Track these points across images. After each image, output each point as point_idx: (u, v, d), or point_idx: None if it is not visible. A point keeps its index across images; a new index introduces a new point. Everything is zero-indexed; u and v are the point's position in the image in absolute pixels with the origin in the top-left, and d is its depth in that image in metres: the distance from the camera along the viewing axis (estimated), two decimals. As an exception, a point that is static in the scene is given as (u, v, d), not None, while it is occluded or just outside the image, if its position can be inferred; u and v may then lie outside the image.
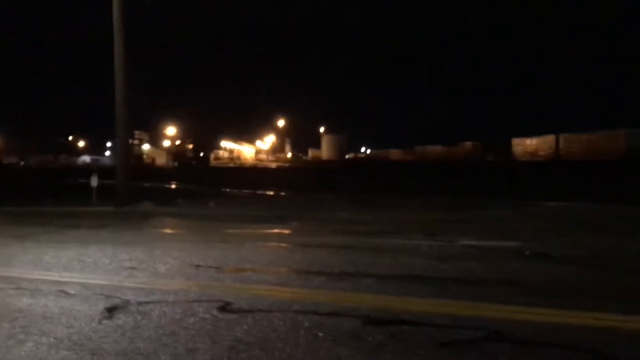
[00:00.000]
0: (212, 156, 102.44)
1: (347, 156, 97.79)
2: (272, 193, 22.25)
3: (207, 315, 4.63)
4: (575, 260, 6.89)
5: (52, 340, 4.07)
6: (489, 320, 4.32)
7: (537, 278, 5.89)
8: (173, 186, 28.75)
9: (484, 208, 14.18)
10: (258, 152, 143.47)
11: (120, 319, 4.59)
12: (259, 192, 22.58)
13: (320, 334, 4.08)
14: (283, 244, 8.71)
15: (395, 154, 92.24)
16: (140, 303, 5.07)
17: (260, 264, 6.91)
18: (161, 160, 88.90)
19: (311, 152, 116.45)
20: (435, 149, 76.34)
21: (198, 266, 6.81)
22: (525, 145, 57.07)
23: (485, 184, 25.48)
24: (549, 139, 53.32)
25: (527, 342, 3.85)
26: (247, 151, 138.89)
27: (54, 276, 6.31)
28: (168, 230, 11.67)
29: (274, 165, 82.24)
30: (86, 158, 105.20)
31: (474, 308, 4.68)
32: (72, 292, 5.54)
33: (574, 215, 12.61)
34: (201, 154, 79.78)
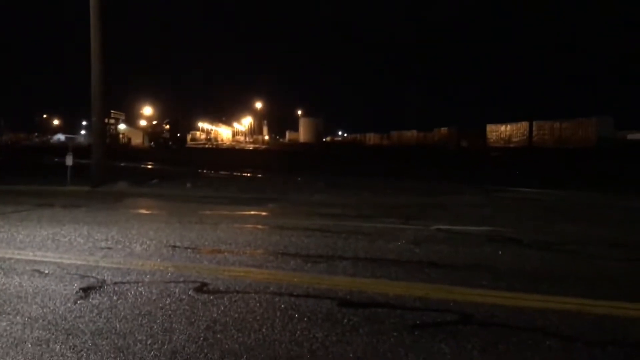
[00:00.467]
0: (188, 137, 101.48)
1: (324, 139, 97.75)
2: (249, 175, 22.20)
3: (184, 296, 4.67)
4: (544, 246, 7.07)
5: (26, 319, 4.08)
6: (459, 303, 4.44)
7: (507, 263, 6.03)
8: (149, 166, 28.47)
9: (458, 193, 14.36)
10: (235, 133, 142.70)
11: (96, 298, 4.60)
12: (235, 173, 22.50)
13: (296, 316, 4.15)
14: (260, 226, 8.75)
15: (371, 138, 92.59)
16: (116, 283, 5.09)
17: (237, 245, 6.94)
18: (137, 140, 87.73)
19: (289, 135, 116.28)
20: (411, 134, 76.82)
21: (174, 247, 6.82)
22: (500, 131, 57.73)
23: (459, 169, 25.77)
24: (523, 125, 53.99)
25: (496, 324, 3.98)
26: (224, 133, 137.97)
27: (28, 255, 6.28)
28: (144, 211, 11.60)
29: (251, 147, 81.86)
30: (61, 137, 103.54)
31: (446, 291, 4.80)
32: (46, 271, 5.53)
33: (545, 201, 12.85)
34: (178, 135, 78.90)
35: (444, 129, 68.43)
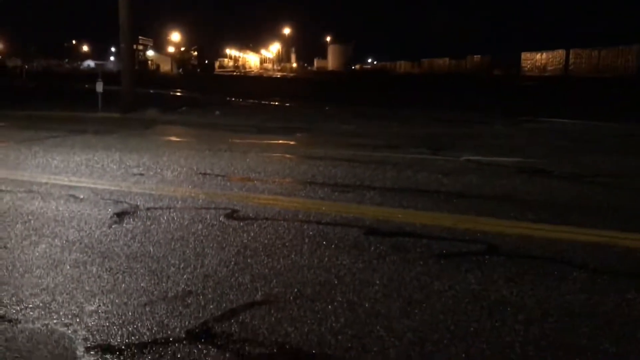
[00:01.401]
0: (216, 64, 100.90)
1: (353, 67, 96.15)
2: (276, 103, 22.11)
3: (215, 222, 4.77)
4: (576, 178, 6.98)
5: (64, 242, 4.23)
6: (486, 234, 4.46)
7: (537, 194, 5.99)
8: (178, 94, 28.53)
9: (489, 124, 14.14)
10: (263, 61, 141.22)
11: (130, 223, 4.74)
12: (263, 102, 22.43)
13: (324, 243, 4.23)
14: (288, 155, 8.79)
15: (402, 66, 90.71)
16: (148, 209, 5.22)
17: (266, 174, 7.02)
18: (166, 66, 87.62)
19: (317, 63, 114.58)
20: (443, 62, 74.99)
21: (205, 174, 6.92)
22: (534, 60, 55.94)
23: (491, 98, 25.24)
24: (559, 54, 52.16)
25: (522, 255, 4.00)
26: (252, 60, 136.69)
27: (64, 180, 6.45)
28: (174, 138, 11.73)
29: (278, 75, 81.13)
30: (90, 63, 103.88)
31: (473, 222, 4.81)
32: (81, 196, 5.68)
33: (578, 132, 12.59)
34: (206, 62, 78.42)
35: (476, 57, 66.62)
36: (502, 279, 3.54)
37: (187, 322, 2.90)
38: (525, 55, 57.80)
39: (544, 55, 54.52)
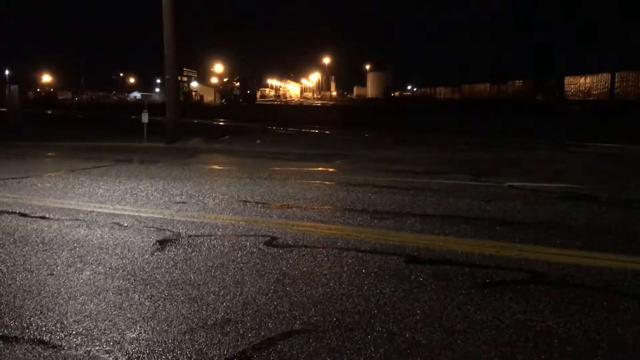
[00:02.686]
0: (258, 94, 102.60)
1: (392, 94, 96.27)
2: (316, 131, 22.26)
3: (254, 249, 4.79)
4: (623, 204, 6.75)
5: (107, 269, 4.31)
6: (531, 262, 4.34)
7: (583, 221, 5.81)
8: (221, 123, 29.04)
9: (532, 149, 13.87)
10: (303, 90, 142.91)
11: (172, 251, 4.80)
12: (304, 129, 22.62)
13: (364, 271, 4.18)
14: (327, 182, 8.80)
15: (442, 92, 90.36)
16: (190, 236, 5.28)
17: (305, 201, 7.03)
18: (209, 97, 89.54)
19: (356, 90, 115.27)
20: (484, 87, 74.37)
21: (245, 202, 6.98)
22: (578, 84, 54.86)
23: (534, 123, 24.80)
24: (604, 77, 51.00)
25: (569, 284, 3.86)
26: (292, 89, 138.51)
27: (108, 208, 6.60)
28: (216, 167, 11.90)
29: (318, 103, 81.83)
30: (137, 94, 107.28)
31: (517, 249, 4.69)
32: (125, 224, 5.80)
33: (625, 157, 12.22)
34: (247, 92, 79.88)
35: (518, 82, 65.81)
36: (548, 308, 3.43)
37: (225, 351, 2.90)
38: (568, 80, 56.78)
39: (588, 79, 53.44)
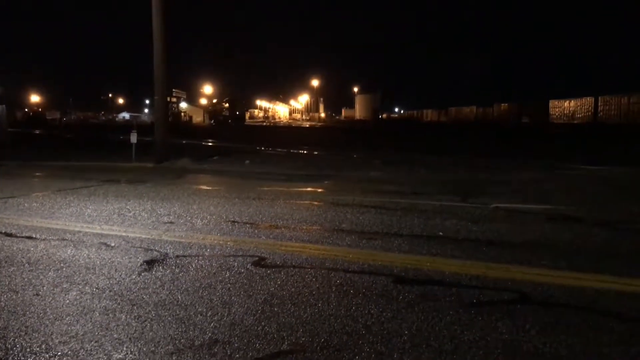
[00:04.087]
0: (247, 115, 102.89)
1: (380, 116, 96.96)
2: (305, 152, 22.33)
3: (242, 270, 4.79)
4: (608, 225, 6.83)
5: (94, 289, 4.29)
6: (517, 282, 4.37)
7: (568, 242, 5.87)
8: (210, 144, 29.05)
9: (518, 170, 14.01)
10: (292, 111, 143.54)
11: (159, 271, 4.78)
12: (292, 150, 22.68)
13: (352, 291, 4.19)
14: (316, 202, 8.82)
15: (429, 114, 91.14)
16: (178, 256, 5.27)
17: (293, 221, 7.04)
18: (198, 118, 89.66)
19: (345, 112, 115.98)
20: (470, 110, 75.13)
21: (234, 222, 6.98)
22: (563, 107, 55.55)
23: (520, 145, 25.07)
24: (587, 100, 51.72)
25: (555, 304, 3.90)
26: (281, 110, 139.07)
27: (96, 229, 6.56)
28: (204, 187, 11.88)
29: (307, 124, 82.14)
30: (125, 115, 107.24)
31: (504, 270, 4.72)
32: (112, 244, 5.77)
33: (609, 179, 12.37)
34: (237, 113, 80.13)
35: (504, 105, 66.48)
36: (535, 328, 3.45)
37: (213, 371, 2.88)
38: (553, 103, 57.51)
39: (572, 102, 54.16)
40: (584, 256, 5.26)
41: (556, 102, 57.27)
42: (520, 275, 4.56)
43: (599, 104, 50.10)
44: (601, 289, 4.19)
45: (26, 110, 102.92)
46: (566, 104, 55.39)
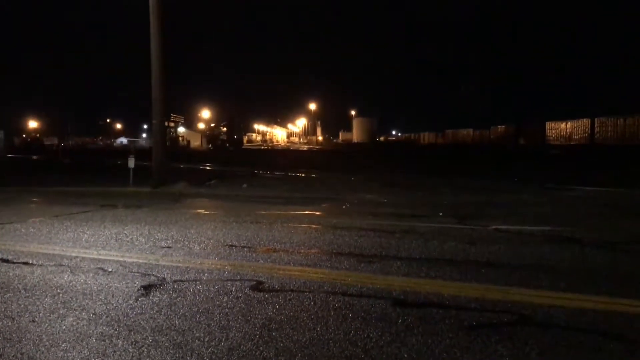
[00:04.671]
0: (245, 139, 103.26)
1: (378, 139, 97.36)
2: (303, 175, 22.35)
3: (240, 294, 4.76)
4: (607, 246, 6.82)
5: (91, 315, 4.25)
6: (517, 304, 4.35)
7: (567, 263, 5.86)
8: (207, 167, 29.08)
9: (516, 192, 14.03)
10: (290, 134, 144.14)
11: (157, 296, 4.75)
12: (290, 173, 22.70)
13: (350, 315, 4.17)
14: (313, 226, 8.81)
15: (426, 137, 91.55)
16: (175, 281, 5.24)
17: (291, 244, 7.02)
18: (196, 142, 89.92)
19: (342, 135, 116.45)
20: (467, 133, 75.54)
21: (231, 246, 6.96)
22: (560, 129, 55.88)
23: (517, 167, 25.14)
24: (584, 122, 52.04)
25: (555, 326, 3.88)
26: (279, 134, 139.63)
27: (93, 254, 6.54)
28: (202, 211, 11.87)
29: (305, 147, 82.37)
30: (123, 140, 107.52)
31: (503, 292, 4.71)
32: (110, 269, 5.74)
33: (607, 200, 12.39)
34: (234, 137, 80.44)
35: (501, 127, 66.85)
36: (535, 351, 3.43)
37: (210, 397, 2.85)
38: (550, 125, 57.86)
39: (569, 124, 54.48)
40: (583, 277, 5.24)
41: (553, 124, 57.63)
42: (519, 297, 4.54)
43: (596, 126, 50.41)
44: (601, 310, 4.17)
45: (24, 136, 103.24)
46: (563, 125, 55.73)
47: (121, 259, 6.21)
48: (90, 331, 3.89)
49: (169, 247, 6.96)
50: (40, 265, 5.94)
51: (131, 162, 17.35)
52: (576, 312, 4.15)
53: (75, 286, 5.11)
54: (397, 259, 6.11)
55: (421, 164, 30.28)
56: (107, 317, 4.21)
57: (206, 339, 3.69)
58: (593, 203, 11.87)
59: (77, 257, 6.37)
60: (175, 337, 3.73)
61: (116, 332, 3.86)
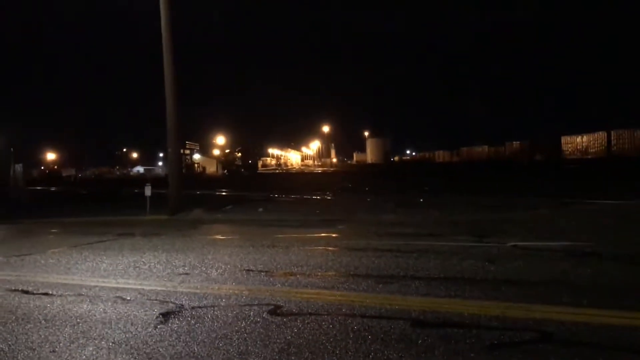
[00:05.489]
0: (259, 163, 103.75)
1: (392, 159, 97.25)
2: (318, 197, 22.36)
3: (258, 319, 4.74)
4: (627, 260, 6.72)
5: (110, 344, 4.26)
6: (538, 321, 4.29)
7: (588, 278, 5.78)
8: (223, 193, 29.22)
9: (533, 208, 13.90)
10: (304, 158, 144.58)
11: (175, 323, 4.75)
12: (305, 196, 22.73)
13: (369, 337, 4.13)
14: (330, 248, 8.78)
15: (441, 155, 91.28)
16: (193, 308, 5.24)
17: (309, 267, 7.00)
18: (211, 168, 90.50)
19: (356, 156, 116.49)
20: (482, 150, 75.20)
21: (248, 270, 6.95)
22: (575, 143, 55.43)
23: (533, 183, 24.94)
24: (600, 135, 51.59)
25: (578, 343, 3.81)
26: (293, 157, 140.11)
27: (111, 283, 6.57)
28: (219, 236, 11.90)
29: (319, 170, 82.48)
30: (140, 169, 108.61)
31: (524, 309, 4.64)
32: (128, 297, 5.76)
33: (626, 213, 12.22)
34: (249, 162, 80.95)
35: (516, 143, 66.51)
36: (558, 369, 3.37)
37: None
38: (565, 139, 57.42)
39: (585, 137, 54.04)
40: (606, 293, 5.16)
41: (568, 138, 57.17)
42: (540, 314, 4.47)
43: (612, 138, 49.93)
44: (625, 326, 4.09)
45: (42, 167, 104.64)
46: (578, 139, 55.27)
47: (139, 287, 6.23)
48: (110, 360, 3.90)
49: (186, 273, 6.97)
50: (60, 296, 5.98)
51: (148, 191, 17.50)
52: (600, 328, 4.07)
53: (95, 315, 5.12)
54: (416, 278, 6.06)
55: (436, 183, 30.15)
56: (126, 345, 4.21)
57: (225, 365, 3.67)
58: (612, 216, 11.71)
59: (95, 286, 6.41)
60: (194, 364, 3.72)
61: (136, 361, 3.85)
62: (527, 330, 4.12)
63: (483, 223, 11.27)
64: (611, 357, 3.51)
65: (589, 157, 50.52)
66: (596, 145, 51.88)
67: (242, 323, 4.64)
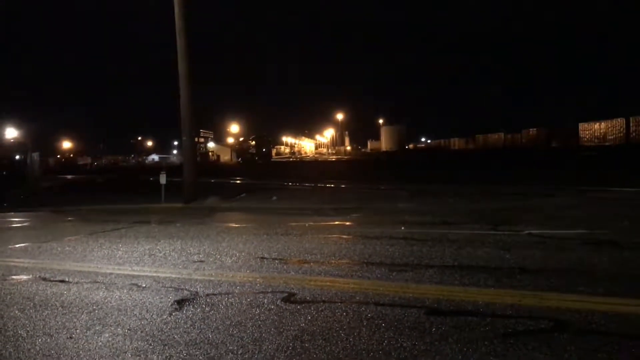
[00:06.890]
0: (273, 151, 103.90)
1: (406, 147, 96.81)
2: (332, 185, 22.34)
3: (272, 306, 4.76)
4: (646, 248, 6.64)
5: (126, 331, 4.30)
6: (554, 310, 4.25)
7: (603, 266, 5.71)
8: (237, 181, 29.32)
9: (550, 196, 13.78)
10: (318, 146, 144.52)
11: (190, 310, 4.78)
12: (319, 184, 22.72)
13: (383, 325, 4.13)
14: (344, 236, 8.78)
15: (456, 143, 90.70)
16: (208, 295, 5.27)
17: (323, 255, 7.00)
18: (225, 156, 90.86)
19: (370, 144, 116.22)
20: (498, 137, 74.55)
21: (262, 258, 6.98)
22: (593, 129, 54.74)
23: (549, 170, 24.70)
24: (619, 122, 50.88)
25: (594, 332, 3.77)
26: (307, 145, 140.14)
27: (127, 270, 6.62)
28: (233, 224, 11.95)
29: (333, 158, 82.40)
30: (155, 157, 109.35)
31: (539, 298, 4.61)
32: (143, 285, 5.81)
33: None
34: (263, 150, 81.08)
35: (532, 130, 65.85)
36: (574, 357, 3.34)
37: (245, 410, 2.85)
38: (583, 126, 56.73)
39: (603, 124, 53.33)
40: (623, 281, 5.10)
41: (586, 125, 56.48)
42: (556, 302, 4.43)
43: (631, 125, 49.22)
44: (642, 315, 4.04)
45: (58, 156, 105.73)
46: (596, 126, 54.57)
47: (155, 275, 6.28)
48: (126, 346, 3.93)
49: (201, 261, 7.01)
50: (76, 283, 6.05)
51: (162, 179, 17.61)
52: (616, 317, 4.03)
53: (110, 302, 5.17)
54: (430, 267, 6.04)
55: (452, 171, 29.98)
56: (141, 332, 4.25)
57: (239, 352, 3.69)
58: (630, 204, 11.58)
59: (111, 273, 6.47)
60: (209, 351, 3.75)
61: (151, 347, 3.89)
62: (542, 318, 4.09)
63: (498, 211, 11.19)
64: (628, 346, 3.47)
65: (607, 144, 49.91)
66: (614, 131, 51.21)
67: (256, 310, 4.66)
